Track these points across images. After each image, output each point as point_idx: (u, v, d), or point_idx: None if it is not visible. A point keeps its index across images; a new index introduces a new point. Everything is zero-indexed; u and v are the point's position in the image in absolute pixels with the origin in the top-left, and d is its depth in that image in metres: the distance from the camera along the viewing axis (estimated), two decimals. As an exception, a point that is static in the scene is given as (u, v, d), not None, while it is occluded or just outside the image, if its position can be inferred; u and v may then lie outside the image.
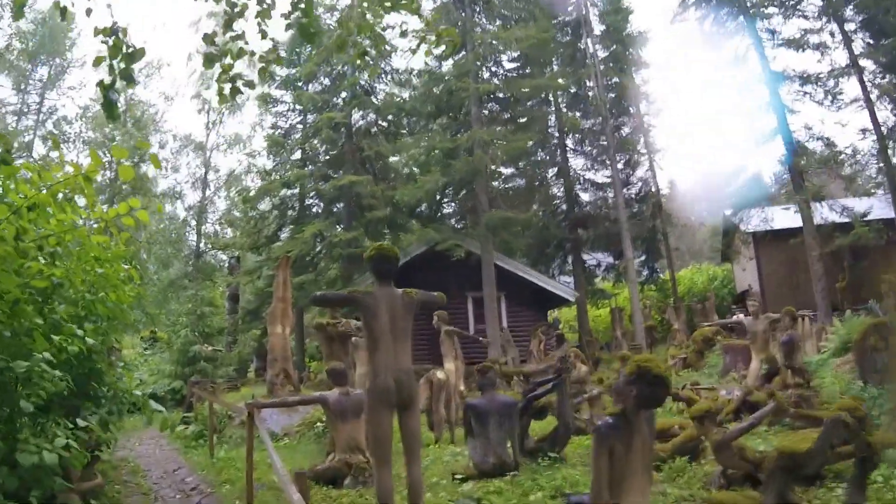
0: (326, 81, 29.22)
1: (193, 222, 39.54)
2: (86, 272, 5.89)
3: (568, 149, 32.19)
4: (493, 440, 7.88)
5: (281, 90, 31.04)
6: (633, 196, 31.56)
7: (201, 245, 38.75)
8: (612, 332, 26.29)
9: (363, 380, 10.77)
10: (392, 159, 30.89)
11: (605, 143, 29.18)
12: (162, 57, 43.19)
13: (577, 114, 30.73)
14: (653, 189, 31.21)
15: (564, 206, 31.61)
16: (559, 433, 8.72)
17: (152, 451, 12.86)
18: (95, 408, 6.41)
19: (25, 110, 36.37)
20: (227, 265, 33.90)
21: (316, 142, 28.61)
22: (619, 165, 29.62)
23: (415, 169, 29.74)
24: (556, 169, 32.07)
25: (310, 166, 27.93)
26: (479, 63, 23.61)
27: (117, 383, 6.77)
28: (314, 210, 28.86)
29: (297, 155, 29.66)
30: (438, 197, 27.20)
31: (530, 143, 24.72)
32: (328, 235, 24.08)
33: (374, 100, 27.83)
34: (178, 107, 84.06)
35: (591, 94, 29.90)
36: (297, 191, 29.38)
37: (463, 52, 22.79)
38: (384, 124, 28.41)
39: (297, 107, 30.98)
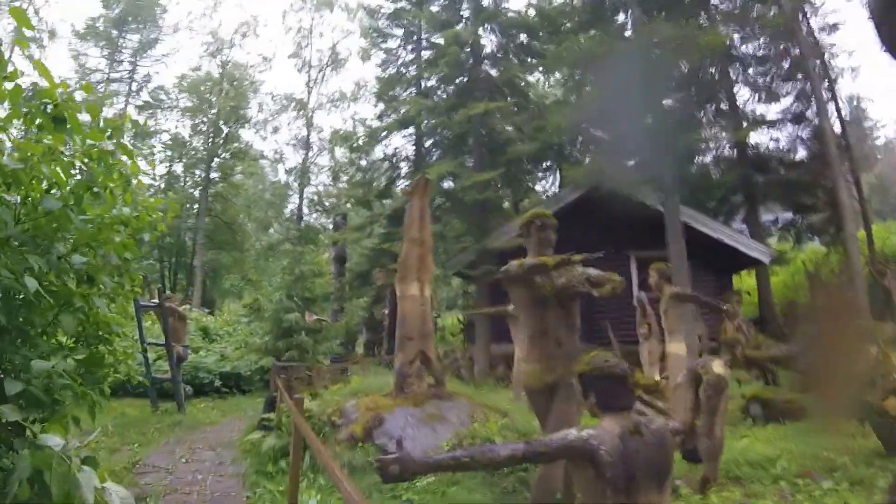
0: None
1: (295, 184, 35.24)
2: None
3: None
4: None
5: (392, 23, 25.70)
6: (807, 136, 24.14)
7: (304, 208, 34.35)
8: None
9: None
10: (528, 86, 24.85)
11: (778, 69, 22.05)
12: (258, 16, 38.92)
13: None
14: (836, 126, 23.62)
15: (727, 149, 24.56)
16: None
17: (203, 475, 7.55)
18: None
19: (118, 78, 32.56)
20: (332, 224, 28.94)
21: (434, 76, 22.89)
22: (789, 100, 22.48)
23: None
24: (714, 104, 24.99)
25: (433, 98, 22.13)
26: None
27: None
28: (436, 153, 23.22)
29: (412, 92, 24.06)
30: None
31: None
32: (460, 178, 18.34)
33: (503, 16, 21.72)
34: (277, 67, 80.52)
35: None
36: (413, 132, 23.92)
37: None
38: (516, 46, 22.27)
39: (409, 44, 25.71)
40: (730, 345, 13.61)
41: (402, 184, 25.06)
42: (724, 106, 23.21)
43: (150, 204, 5.06)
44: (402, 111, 23.50)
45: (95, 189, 3.96)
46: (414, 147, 24.92)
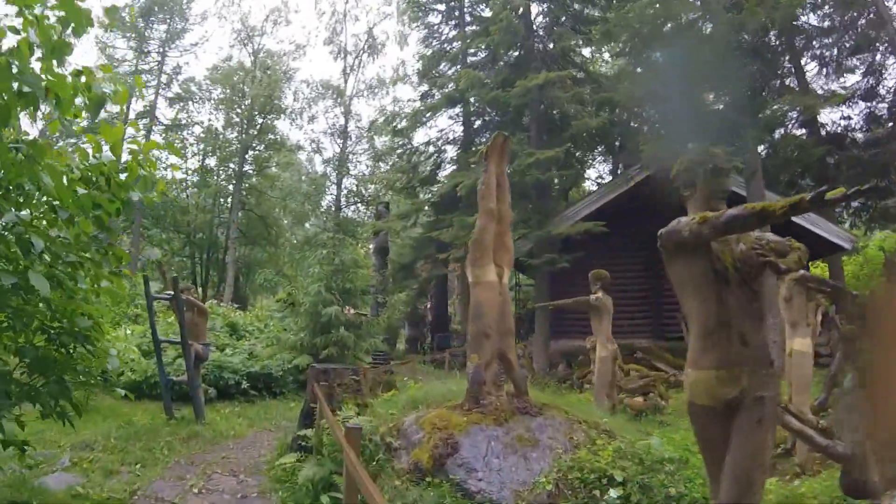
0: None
1: (333, 175, 33.37)
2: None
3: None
4: None
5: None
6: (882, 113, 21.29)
7: (342, 199, 32.48)
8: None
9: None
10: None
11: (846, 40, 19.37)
12: (289, 1, 36.94)
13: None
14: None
15: (795, 127, 21.81)
16: None
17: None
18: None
19: (147, 69, 31.26)
20: (372, 214, 26.92)
21: (483, 49, 20.71)
22: (857, 76, 19.87)
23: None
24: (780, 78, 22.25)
25: (484, 71, 19.88)
26: None
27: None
28: (487, 133, 21.00)
29: (457, 69, 21.87)
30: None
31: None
32: (519, 156, 16.10)
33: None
34: (312, 54, 78.73)
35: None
36: (461, 111, 21.80)
37: None
38: (569, 16, 19.92)
39: (452, 19, 23.62)
40: (848, 339, 11.18)
41: (448, 169, 23.09)
42: (790, 81, 20.58)
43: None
44: (449, 88, 21.40)
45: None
46: (462, 127, 22.83)
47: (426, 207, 23.02)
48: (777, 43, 20.36)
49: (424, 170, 23.17)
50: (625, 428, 7.21)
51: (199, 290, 32.14)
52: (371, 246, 24.03)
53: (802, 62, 20.59)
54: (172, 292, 9.17)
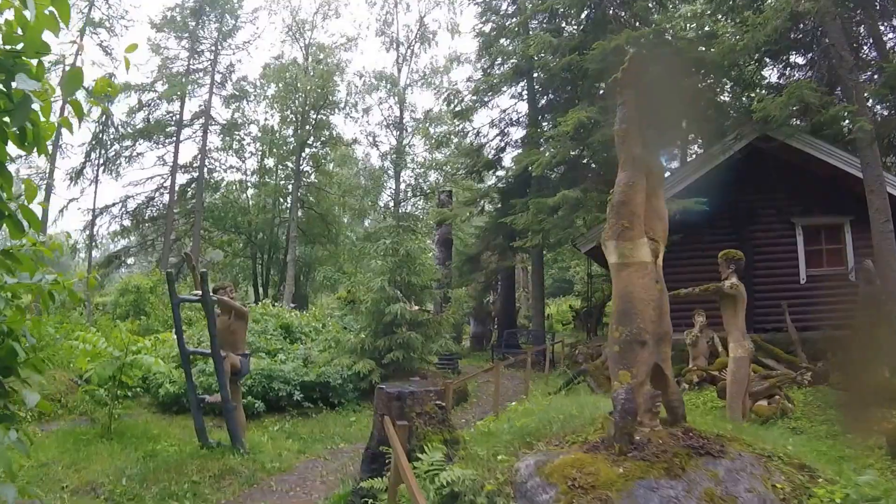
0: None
1: (391, 170, 31.43)
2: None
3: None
4: None
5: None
6: None
7: (401, 193, 30.52)
8: None
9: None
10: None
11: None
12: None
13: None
14: None
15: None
16: None
17: None
18: None
19: (200, 69, 30.01)
20: (436, 201, 24.73)
21: (547, 14, 18.25)
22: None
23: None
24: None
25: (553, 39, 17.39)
26: None
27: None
28: (555, 108, 18.57)
29: (518, 44, 19.47)
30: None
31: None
32: (602, 126, 13.66)
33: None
34: (363, 47, 76.72)
35: None
36: (524, 88, 19.45)
37: None
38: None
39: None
40: None
41: (512, 152, 20.81)
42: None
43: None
44: (511, 63, 19.08)
45: None
46: (526, 106, 20.47)
47: (493, 194, 20.78)
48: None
49: (488, 153, 20.92)
50: (763, 439, 4.84)
51: (260, 290, 30.82)
52: (434, 237, 21.84)
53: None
54: (200, 292, 7.14)
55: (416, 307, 12.17)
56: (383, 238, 13.02)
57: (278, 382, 9.94)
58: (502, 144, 21.26)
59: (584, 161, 16.96)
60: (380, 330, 11.18)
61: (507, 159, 20.85)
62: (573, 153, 15.09)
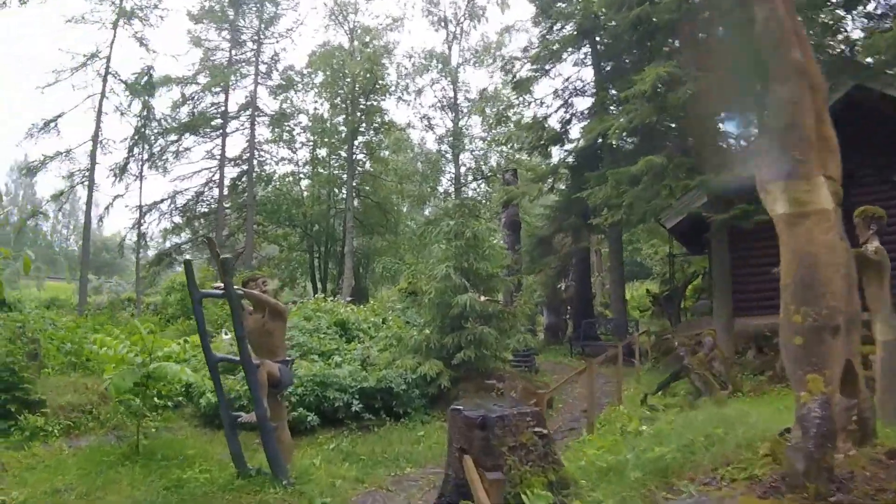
0: None
1: (448, 153, 30.03)
2: None
3: None
4: None
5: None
6: None
7: (461, 177, 29.08)
8: None
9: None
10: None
11: None
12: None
13: None
14: None
15: None
16: None
17: None
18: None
19: (243, 60, 29.42)
20: (501, 179, 23.08)
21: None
22: None
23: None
24: None
25: None
26: None
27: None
28: (619, 77, 16.69)
29: (578, 4, 17.55)
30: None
31: None
32: (682, 83, 11.81)
33: None
34: (411, 28, 75.18)
35: None
36: (588, 52, 17.59)
37: None
38: None
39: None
40: None
41: (579, 124, 18.98)
42: None
43: None
44: (573, 24, 17.25)
45: None
46: (591, 71, 18.64)
47: (562, 170, 19.01)
48: None
49: (553, 126, 19.16)
50: None
51: (318, 284, 29.90)
52: (500, 220, 20.16)
53: None
54: (222, 285, 5.74)
55: (484, 297, 10.65)
56: (447, 219, 11.50)
57: (333, 390, 8.58)
58: (567, 116, 19.47)
59: (662, 127, 15.15)
60: (446, 325, 9.71)
61: (574, 132, 19.08)
62: (650, 118, 13.21)
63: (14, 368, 7.56)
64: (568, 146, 19.11)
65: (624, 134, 15.00)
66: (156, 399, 8.54)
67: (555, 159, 19.54)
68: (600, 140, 15.95)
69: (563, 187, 19.13)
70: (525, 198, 18.64)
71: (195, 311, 5.96)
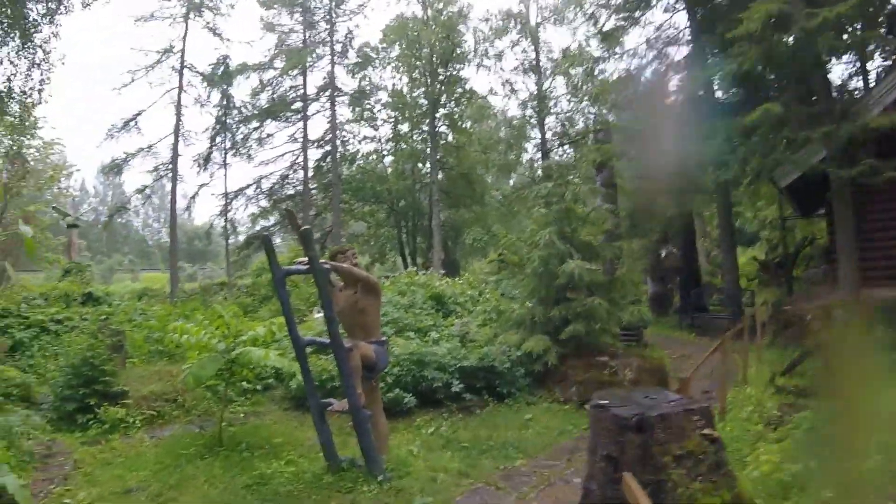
0: None
1: (533, 119, 28.77)
2: None
3: None
4: None
5: None
6: None
7: (548, 141, 27.80)
8: None
9: None
10: None
11: None
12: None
13: None
14: None
15: None
16: None
17: None
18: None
19: (318, 41, 29.34)
20: (593, 140, 21.72)
21: None
22: None
23: None
24: None
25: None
26: None
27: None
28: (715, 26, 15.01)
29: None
30: None
31: None
32: (797, 21, 10.22)
33: None
34: None
35: None
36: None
37: None
38: None
39: None
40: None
41: (676, 76, 17.33)
42: None
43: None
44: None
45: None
46: (686, 17, 16.93)
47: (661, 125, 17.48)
48: None
49: (646, 79, 17.64)
50: None
51: (408, 259, 29.57)
52: (597, 183, 18.82)
53: None
54: (307, 259, 5.05)
55: (586, 266, 9.62)
56: (543, 182, 10.49)
57: (431, 369, 7.86)
58: (661, 67, 17.87)
59: (772, 73, 13.45)
60: (550, 296, 8.77)
61: (670, 85, 17.48)
62: (758, 64, 11.60)
63: (94, 362, 7.31)
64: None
65: (728, 83, 13.47)
66: (244, 383, 8.15)
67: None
68: (700, 93, 14.46)
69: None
70: (623, 157, 17.30)
71: (278, 291, 5.35)
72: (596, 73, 22.87)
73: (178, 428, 7.19)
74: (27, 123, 20.06)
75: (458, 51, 28.43)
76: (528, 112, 29.05)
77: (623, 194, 19.46)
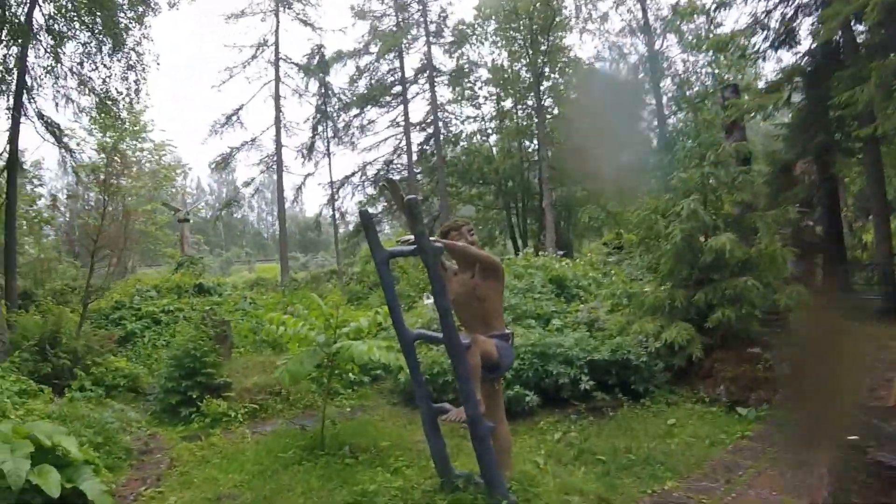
0: None
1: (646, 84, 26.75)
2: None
3: None
4: None
5: None
6: None
7: (663, 106, 25.83)
8: None
9: None
10: None
11: None
12: None
13: None
14: None
15: None
16: None
17: None
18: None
19: (412, 21, 28.95)
20: (721, 99, 19.76)
21: None
22: None
23: None
24: None
25: None
26: None
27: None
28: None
29: None
30: None
31: None
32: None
33: None
34: None
35: None
36: None
37: None
38: None
39: None
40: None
41: (807, 19, 15.12)
42: None
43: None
44: None
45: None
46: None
47: (796, 77, 15.40)
48: None
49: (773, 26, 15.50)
50: None
51: (518, 242, 28.59)
52: (721, 134, 16.92)
53: None
54: (412, 237, 4.22)
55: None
56: (686, 137, 9.20)
57: (556, 363, 6.88)
58: (790, 12, 15.72)
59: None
60: (692, 277, 7.55)
61: (802, 31, 15.32)
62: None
63: (196, 354, 6.99)
64: (796, 50, 15.47)
65: (873, 19, 11.46)
66: (350, 375, 7.61)
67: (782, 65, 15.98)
68: (838, 36, 12.65)
69: (800, 100, 15.53)
70: (757, 114, 15.40)
71: (381, 274, 4.51)
72: (712, 26, 20.78)
73: (280, 423, 6.79)
74: (136, 128, 20.90)
75: (558, 18, 26.92)
76: (640, 75, 27.05)
77: (757, 160, 17.46)
